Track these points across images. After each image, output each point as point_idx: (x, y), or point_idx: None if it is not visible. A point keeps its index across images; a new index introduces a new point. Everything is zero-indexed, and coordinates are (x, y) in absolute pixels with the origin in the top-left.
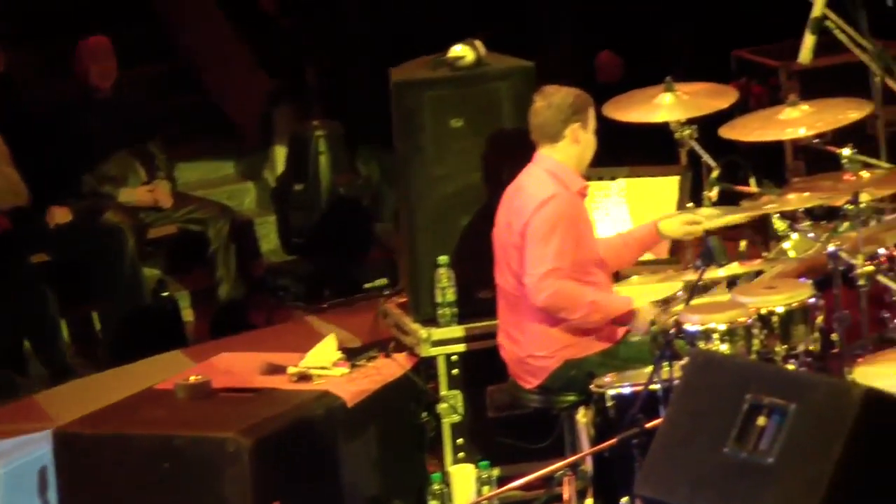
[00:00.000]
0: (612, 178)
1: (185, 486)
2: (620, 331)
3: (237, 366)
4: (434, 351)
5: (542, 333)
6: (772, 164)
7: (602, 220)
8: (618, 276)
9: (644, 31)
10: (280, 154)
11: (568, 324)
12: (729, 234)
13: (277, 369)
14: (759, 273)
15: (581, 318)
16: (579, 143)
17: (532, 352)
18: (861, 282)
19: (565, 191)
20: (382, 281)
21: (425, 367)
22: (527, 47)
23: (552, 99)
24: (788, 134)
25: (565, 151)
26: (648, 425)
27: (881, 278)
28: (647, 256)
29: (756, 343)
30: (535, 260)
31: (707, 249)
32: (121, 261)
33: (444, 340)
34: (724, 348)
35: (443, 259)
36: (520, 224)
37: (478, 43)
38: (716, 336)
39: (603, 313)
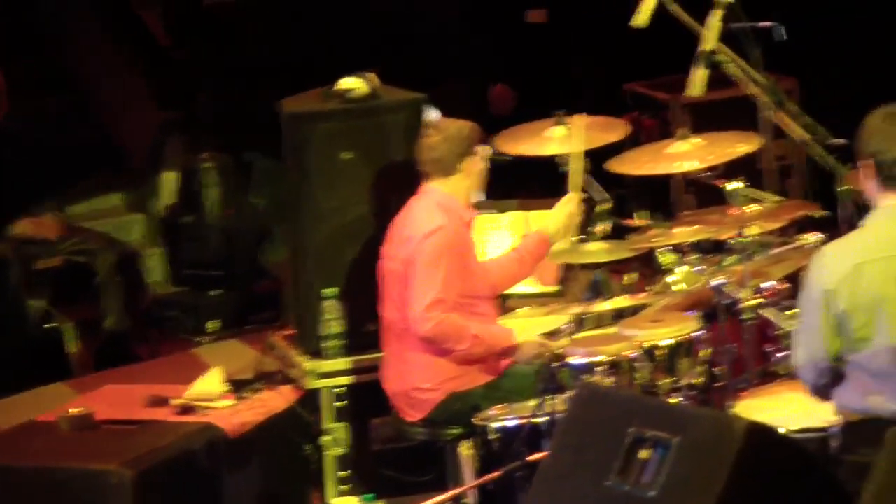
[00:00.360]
0: (502, 211)
1: None
2: (504, 363)
3: (121, 398)
4: (319, 383)
5: (426, 366)
6: (660, 198)
7: (491, 252)
8: (505, 309)
9: (537, 64)
10: (169, 186)
11: (452, 356)
12: (616, 267)
13: (161, 401)
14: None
15: (465, 351)
16: (472, 176)
17: (416, 384)
18: (746, 315)
19: (452, 222)
20: (270, 313)
21: (310, 399)
22: (419, 79)
23: (447, 133)
24: (678, 167)
25: (458, 184)
26: (532, 458)
27: (766, 312)
28: (535, 290)
29: (640, 376)
30: (420, 291)
31: (594, 283)
32: (5, 292)
33: (329, 373)
34: (609, 381)
35: (329, 291)
36: (405, 254)
37: (370, 75)
38: (600, 369)
39: (485, 346)
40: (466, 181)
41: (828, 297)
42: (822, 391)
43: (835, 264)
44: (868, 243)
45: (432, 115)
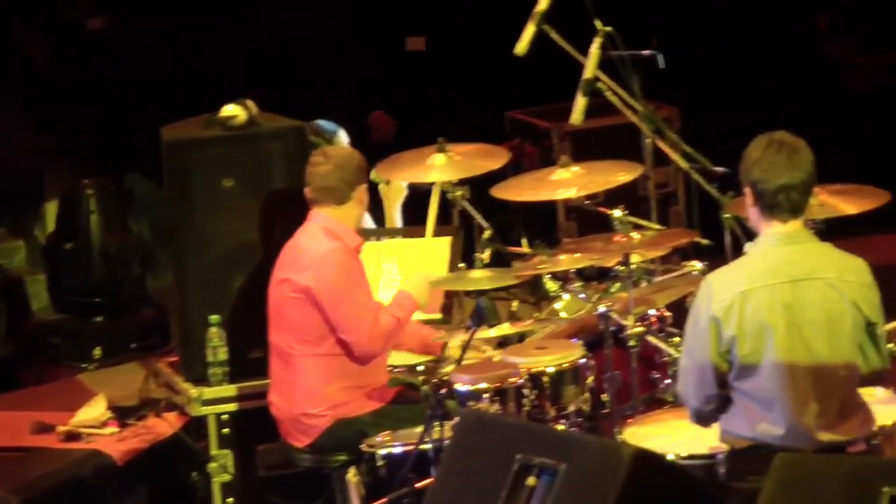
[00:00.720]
0: (385, 238)
1: None
2: (392, 391)
3: (6, 424)
4: (204, 410)
5: (314, 392)
6: (544, 225)
7: (373, 280)
8: None
9: (417, 92)
10: (51, 212)
11: (340, 384)
12: (501, 294)
13: (47, 428)
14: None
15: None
16: (362, 204)
17: (304, 410)
18: (631, 342)
19: (343, 246)
20: (154, 340)
21: (196, 426)
22: (299, 107)
23: (338, 161)
24: (560, 195)
25: (348, 212)
26: (419, 485)
27: (651, 339)
28: (419, 315)
29: (527, 403)
30: (355, 317)
31: (478, 310)
32: None
33: (214, 400)
34: (495, 408)
35: (214, 318)
36: (303, 281)
37: (250, 102)
38: (486, 396)
39: (405, 321)
40: (357, 209)
41: (716, 324)
42: (706, 418)
43: (721, 292)
44: (753, 271)
45: (343, 138)
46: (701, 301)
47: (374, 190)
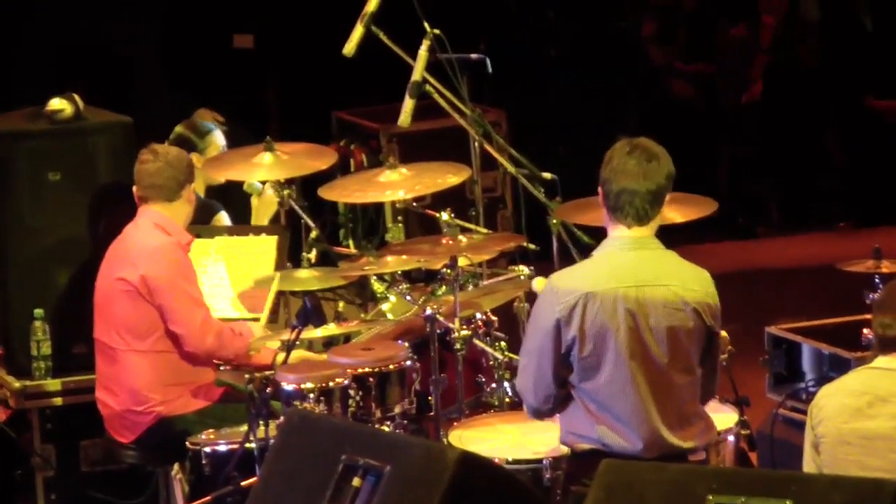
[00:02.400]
0: (211, 237)
1: None
2: (217, 390)
3: None
4: (28, 404)
5: (139, 389)
6: (371, 226)
7: (200, 278)
8: None
9: (242, 89)
10: None
11: (166, 382)
12: (327, 294)
13: None
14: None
15: (235, 353)
16: (191, 202)
17: (129, 406)
18: (458, 346)
19: (175, 241)
20: None
21: (19, 419)
22: (124, 100)
23: (168, 159)
24: (388, 196)
25: (178, 210)
26: (243, 484)
27: (478, 342)
28: (238, 314)
29: (352, 404)
30: (186, 309)
31: (304, 309)
32: None
33: (38, 393)
34: (320, 408)
35: (38, 312)
36: (135, 273)
37: (76, 96)
38: (312, 396)
39: (246, 341)
40: (186, 207)
41: (558, 325)
42: (542, 415)
43: (564, 293)
44: (596, 273)
45: (218, 137)
46: (544, 301)
47: (246, 199)
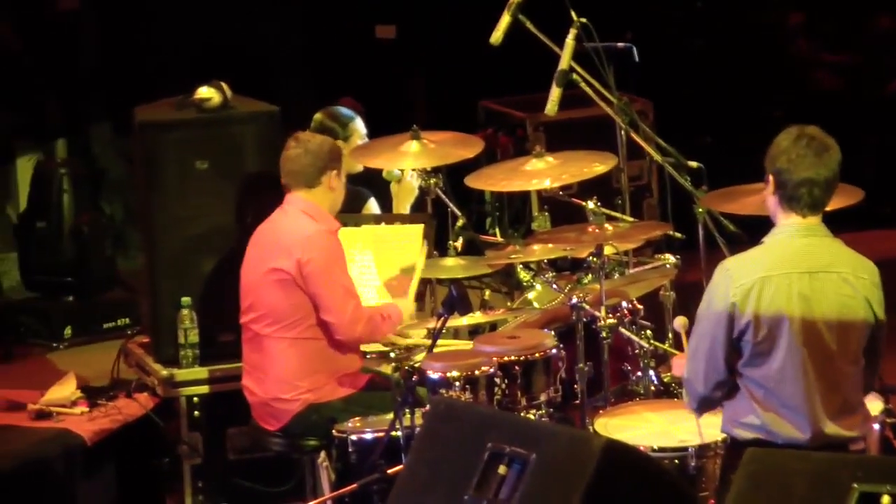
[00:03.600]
0: (358, 225)
1: None
2: (364, 378)
3: None
4: (175, 392)
5: (286, 377)
6: (517, 215)
7: (349, 267)
8: None
9: (386, 79)
10: (23, 190)
11: (312, 369)
12: (473, 283)
13: (16, 406)
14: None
15: (384, 338)
16: (334, 190)
17: (276, 394)
18: (603, 334)
19: (326, 228)
20: (125, 320)
21: (167, 408)
22: (268, 91)
23: (309, 146)
24: (534, 185)
25: (320, 196)
26: (389, 471)
27: (623, 331)
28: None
29: (498, 392)
30: (338, 297)
31: (450, 297)
32: None
33: (185, 382)
34: (466, 397)
35: (185, 300)
36: (287, 260)
37: (224, 85)
38: (457, 384)
39: (392, 324)
40: (330, 195)
41: (732, 308)
42: (708, 405)
43: (739, 277)
44: (772, 259)
45: (359, 125)
46: (717, 285)
47: (386, 187)
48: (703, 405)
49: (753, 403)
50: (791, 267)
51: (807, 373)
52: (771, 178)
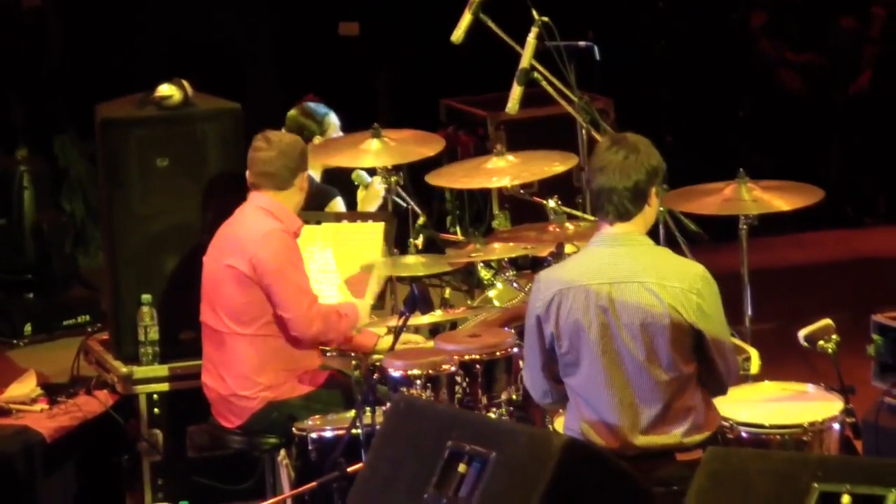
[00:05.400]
0: (318, 223)
1: None
2: (323, 375)
3: None
4: (135, 389)
5: (245, 373)
6: (477, 213)
7: (308, 264)
8: None
9: (349, 76)
10: None
11: (272, 366)
12: (434, 281)
13: None
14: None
15: (340, 336)
16: (303, 190)
17: (235, 391)
18: None
19: (283, 227)
20: (85, 318)
21: (126, 405)
22: (233, 88)
23: (282, 147)
24: (495, 183)
25: (289, 198)
26: (349, 470)
27: None
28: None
29: (459, 391)
30: (294, 294)
31: (412, 296)
32: None
33: (145, 379)
34: (427, 395)
35: (146, 298)
36: (243, 256)
37: (185, 83)
38: (418, 382)
39: (351, 322)
40: (298, 196)
41: (538, 321)
42: (552, 408)
43: (544, 290)
44: (573, 270)
45: (333, 120)
46: (531, 298)
47: (353, 191)
48: (546, 409)
49: (575, 410)
50: (590, 278)
51: (611, 383)
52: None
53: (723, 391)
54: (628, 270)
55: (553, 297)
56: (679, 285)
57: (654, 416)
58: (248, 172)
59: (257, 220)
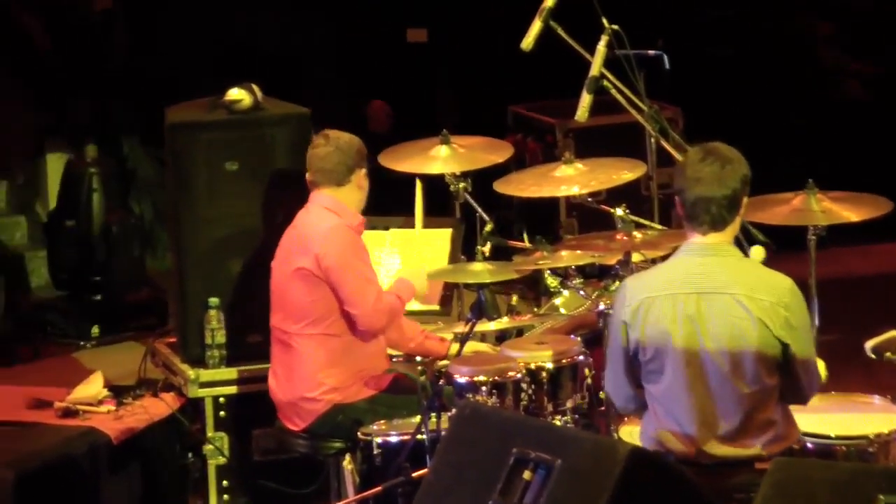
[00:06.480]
0: (386, 228)
1: None
2: (388, 378)
3: (2, 399)
4: (202, 392)
5: (312, 376)
6: (545, 221)
7: (375, 268)
8: None
9: (416, 82)
10: (52, 188)
11: (338, 369)
12: (501, 288)
13: (43, 404)
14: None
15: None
16: (362, 188)
17: (301, 393)
18: None
19: (345, 222)
20: (152, 320)
21: (193, 408)
22: (299, 94)
23: (339, 143)
24: (563, 191)
25: (348, 195)
26: (415, 475)
27: None
28: (417, 307)
29: (524, 397)
30: (360, 289)
31: (478, 302)
32: None
33: (212, 382)
34: (492, 401)
35: (213, 301)
36: (308, 255)
37: (255, 87)
38: (484, 389)
39: (408, 298)
40: (357, 193)
41: (624, 328)
42: (631, 414)
43: (631, 297)
44: (662, 279)
45: None
46: (616, 303)
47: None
48: (626, 415)
49: (653, 417)
50: (679, 287)
51: (693, 393)
52: (676, 197)
53: (803, 403)
54: (718, 281)
55: (640, 304)
56: (768, 298)
57: (734, 427)
58: (307, 173)
59: (320, 218)
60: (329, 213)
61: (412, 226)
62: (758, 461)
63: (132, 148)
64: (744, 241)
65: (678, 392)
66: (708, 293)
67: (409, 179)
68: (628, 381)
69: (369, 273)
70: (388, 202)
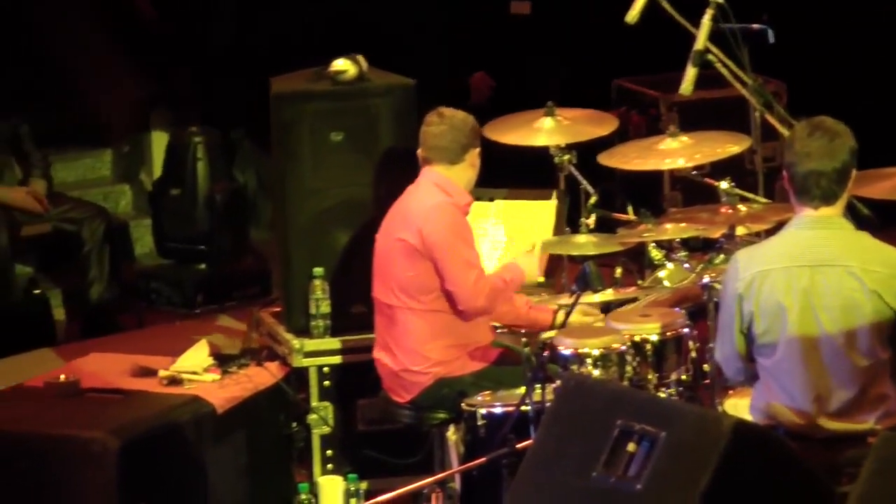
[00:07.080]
0: (490, 200)
1: (47, 486)
2: (494, 352)
3: (107, 367)
4: (306, 362)
5: (417, 349)
6: (649, 194)
7: (479, 241)
8: None
9: (519, 55)
10: (157, 158)
11: (443, 342)
12: (605, 260)
13: (148, 372)
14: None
15: (509, 303)
16: (474, 167)
17: (406, 366)
18: None
19: (453, 201)
20: (256, 289)
21: (297, 377)
22: (401, 66)
23: (453, 122)
24: (667, 164)
25: (460, 173)
26: (519, 446)
27: None
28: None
29: (629, 370)
30: (461, 269)
31: (583, 274)
32: None
33: (316, 352)
34: (597, 373)
35: (318, 271)
36: (413, 230)
37: (360, 58)
38: (589, 361)
39: (513, 288)
40: (469, 172)
41: (739, 299)
42: (743, 386)
43: (744, 269)
44: (776, 252)
45: None
46: (728, 276)
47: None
48: (734, 385)
49: (766, 391)
50: (792, 260)
51: (807, 366)
52: (784, 172)
53: None
54: (831, 254)
55: (754, 277)
56: (883, 270)
57: (848, 401)
58: (420, 149)
59: (428, 194)
60: (438, 191)
61: (516, 197)
62: (870, 436)
63: (236, 118)
64: (847, 216)
65: (792, 365)
66: (821, 266)
67: (512, 150)
68: (739, 353)
69: (471, 255)
70: (493, 174)
